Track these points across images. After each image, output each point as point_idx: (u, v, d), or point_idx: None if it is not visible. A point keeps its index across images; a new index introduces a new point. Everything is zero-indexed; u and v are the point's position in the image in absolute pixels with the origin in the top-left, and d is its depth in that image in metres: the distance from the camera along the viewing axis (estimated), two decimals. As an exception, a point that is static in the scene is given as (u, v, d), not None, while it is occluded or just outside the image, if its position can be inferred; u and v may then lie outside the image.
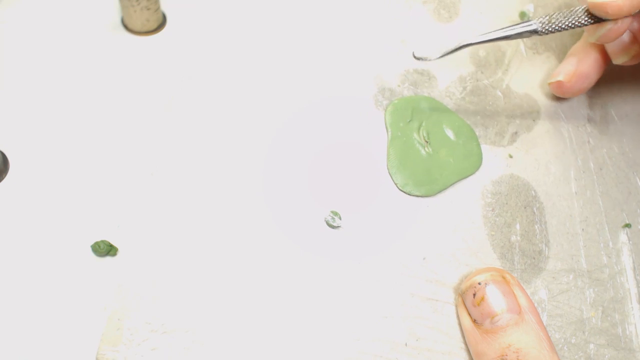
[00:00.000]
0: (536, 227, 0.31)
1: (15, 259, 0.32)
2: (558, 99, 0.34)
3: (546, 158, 0.33)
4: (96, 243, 0.32)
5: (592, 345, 0.29)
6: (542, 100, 0.34)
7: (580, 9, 0.28)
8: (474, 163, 0.31)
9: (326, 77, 0.32)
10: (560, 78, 0.32)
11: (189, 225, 0.28)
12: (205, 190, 0.29)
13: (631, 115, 0.35)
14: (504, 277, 0.26)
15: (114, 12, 0.41)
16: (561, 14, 0.28)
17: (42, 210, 0.33)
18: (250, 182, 0.29)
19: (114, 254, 0.32)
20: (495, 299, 0.26)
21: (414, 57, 0.29)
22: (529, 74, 0.34)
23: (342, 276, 0.27)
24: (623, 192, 0.33)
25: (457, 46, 0.29)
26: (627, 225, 0.33)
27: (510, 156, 0.32)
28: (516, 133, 0.33)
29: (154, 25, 0.38)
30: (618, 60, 0.31)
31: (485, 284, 0.26)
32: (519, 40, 0.35)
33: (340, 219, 0.28)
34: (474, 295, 0.26)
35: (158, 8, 0.37)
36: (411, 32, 0.33)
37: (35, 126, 0.36)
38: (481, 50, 0.34)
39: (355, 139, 0.30)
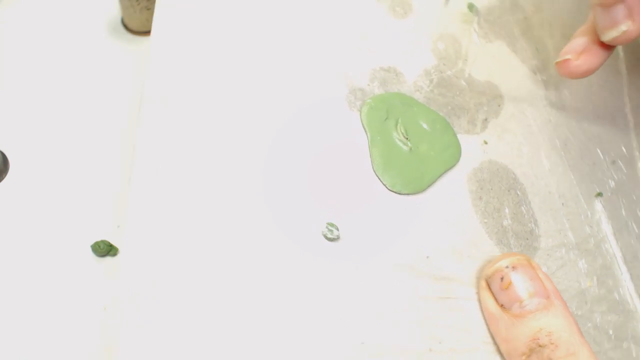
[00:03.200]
0: (522, 208, 0.31)
1: (15, 259, 0.32)
2: (517, 83, 0.35)
3: (517, 140, 0.33)
4: (96, 243, 0.32)
5: (596, 314, 0.30)
6: (502, 86, 0.35)
7: None
8: (455, 153, 0.31)
9: (293, 82, 0.30)
10: (568, 56, 0.31)
11: (185, 227, 0.26)
12: (202, 191, 0.27)
13: (582, 91, 0.37)
14: (529, 262, 0.26)
15: (114, 12, 0.41)
16: None
17: (42, 210, 0.33)
18: (246, 188, 0.28)
19: (114, 254, 0.32)
20: (522, 282, 0.26)
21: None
22: (486, 62, 0.35)
23: (347, 286, 0.26)
24: (589, 164, 0.35)
25: None
26: (599, 194, 0.34)
27: (485, 142, 0.32)
28: (486, 119, 0.33)
29: (154, 26, 0.37)
30: (606, 35, 0.29)
31: (513, 267, 0.26)
32: (472, 31, 0.36)
33: (337, 229, 0.27)
34: (502, 279, 0.26)
35: (158, 8, 0.36)
36: (370, 30, 0.33)
37: (35, 126, 0.36)
38: (439, 43, 0.34)
39: (334, 143, 0.29)
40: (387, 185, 0.28)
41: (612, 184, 0.35)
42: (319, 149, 0.29)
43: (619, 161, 0.36)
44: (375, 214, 0.28)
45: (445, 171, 0.30)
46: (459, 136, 0.32)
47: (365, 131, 0.30)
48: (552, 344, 0.24)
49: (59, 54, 0.39)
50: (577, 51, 0.31)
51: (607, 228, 0.33)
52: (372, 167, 0.29)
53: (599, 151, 0.36)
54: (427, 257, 0.28)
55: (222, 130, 0.28)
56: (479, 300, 0.27)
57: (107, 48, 0.39)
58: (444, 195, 0.30)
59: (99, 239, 0.32)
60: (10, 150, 0.35)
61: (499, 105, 0.34)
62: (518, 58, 0.36)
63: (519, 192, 0.31)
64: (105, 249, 0.32)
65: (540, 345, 0.24)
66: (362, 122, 0.30)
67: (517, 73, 0.36)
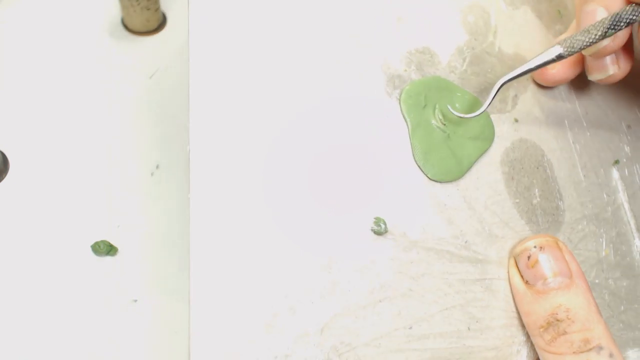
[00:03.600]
0: (550, 184, 0.33)
1: (15, 259, 0.32)
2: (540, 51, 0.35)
3: (544, 114, 0.34)
4: (96, 243, 0.32)
5: (610, 281, 0.33)
6: (530, 55, 0.34)
7: (594, 27, 0.28)
8: (489, 135, 0.31)
9: (332, 73, 0.30)
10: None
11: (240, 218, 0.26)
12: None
13: None
14: (556, 243, 0.28)
15: (114, 12, 0.41)
16: (580, 34, 0.28)
17: (42, 210, 0.34)
18: (289, 182, 0.27)
19: (114, 254, 0.32)
20: (548, 262, 0.28)
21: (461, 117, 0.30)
22: (514, 32, 0.35)
23: (393, 274, 0.27)
24: (607, 130, 0.36)
25: (496, 90, 0.30)
26: (616, 162, 0.35)
27: (516, 120, 0.33)
28: (516, 96, 0.33)
29: (154, 25, 0.38)
30: (594, 76, 0.31)
31: (540, 247, 0.28)
32: (498, 0, 0.35)
33: (385, 223, 0.28)
34: (529, 257, 0.28)
35: (158, 8, 0.37)
36: (406, 9, 0.32)
37: (35, 126, 0.37)
38: (469, 16, 0.33)
39: (375, 134, 0.29)
40: (429, 175, 0.29)
41: (627, 149, 0.36)
42: (361, 141, 0.29)
43: (633, 125, 0.37)
44: (419, 204, 0.29)
45: (482, 154, 0.31)
46: (492, 116, 0.32)
47: (405, 120, 0.30)
48: (569, 319, 0.27)
49: (59, 54, 0.39)
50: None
51: (622, 196, 0.35)
52: (414, 157, 0.29)
53: (615, 116, 0.37)
54: (466, 241, 0.29)
55: (262, 122, 0.28)
56: (508, 277, 0.30)
57: (107, 48, 0.40)
58: (480, 179, 0.31)
59: (99, 239, 0.32)
60: (10, 150, 0.35)
61: (527, 79, 0.34)
62: (543, 24, 0.36)
63: (547, 169, 0.33)
64: (105, 249, 0.32)
65: (558, 320, 0.27)
66: (401, 111, 0.30)
67: (543, 41, 0.36)
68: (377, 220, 0.28)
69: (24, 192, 0.34)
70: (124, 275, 0.34)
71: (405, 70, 0.31)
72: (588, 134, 0.35)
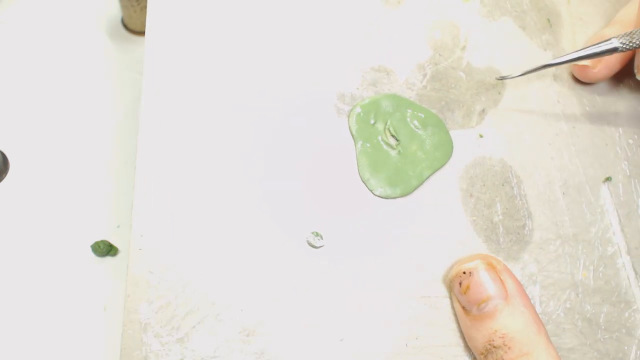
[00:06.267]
0: (517, 201, 0.31)
1: (15, 259, 0.32)
2: (522, 64, 0.34)
3: (518, 129, 0.33)
4: (96, 243, 0.32)
5: (588, 306, 0.30)
6: (505, 69, 0.33)
7: None
8: (446, 152, 0.31)
9: (282, 87, 0.31)
10: (587, 63, 0.32)
11: (187, 224, 0.28)
12: (192, 191, 0.29)
13: None
14: (490, 264, 0.27)
15: (114, 12, 0.41)
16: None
17: (42, 210, 0.34)
18: (233, 192, 0.29)
19: (114, 254, 0.32)
20: (480, 286, 0.27)
21: (497, 79, 0.33)
22: (489, 45, 0.34)
23: (330, 288, 0.28)
24: (599, 146, 0.33)
25: (536, 68, 0.31)
26: (608, 179, 0.33)
27: (481, 136, 0.32)
28: (483, 110, 0.32)
29: (154, 25, 0.36)
30: None
31: (470, 272, 0.27)
32: (474, 11, 0.34)
33: (322, 238, 0.29)
34: (460, 284, 0.27)
35: (158, 7, 0.36)
36: (370, 26, 0.33)
37: (35, 126, 0.37)
38: (435, 31, 0.33)
39: (322, 151, 0.30)
40: (373, 191, 0.30)
41: (626, 165, 0.33)
42: (306, 157, 0.30)
43: (637, 139, 0.34)
44: (361, 220, 0.29)
45: (435, 171, 0.31)
46: (453, 132, 0.32)
47: (353, 138, 0.30)
48: (505, 345, 0.25)
49: (59, 54, 0.39)
50: (597, 59, 0.32)
51: (612, 215, 0.32)
52: (358, 173, 0.30)
53: (613, 129, 0.34)
54: (410, 258, 0.29)
55: (212, 135, 0.29)
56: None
57: (107, 48, 0.39)
58: (432, 196, 0.30)
59: (99, 239, 0.32)
60: (10, 150, 0.35)
61: (500, 93, 0.33)
62: (526, 34, 0.35)
63: (514, 185, 0.31)
64: (105, 249, 0.32)
65: (494, 347, 0.26)
66: (350, 128, 0.31)
67: (524, 52, 0.34)
68: (315, 234, 0.29)
69: (24, 192, 0.34)
70: (124, 275, 0.32)
71: (358, 89, 0.31)
72: (573, 149, 0.33)
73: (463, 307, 0.27)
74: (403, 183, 0.30)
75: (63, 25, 0.40)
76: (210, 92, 0.30)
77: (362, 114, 0.31)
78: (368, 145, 0.30)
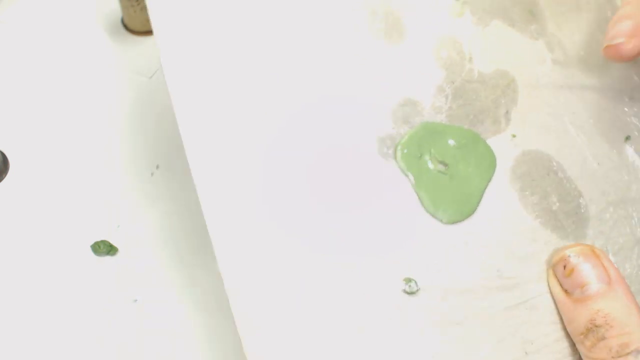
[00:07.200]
0: (565, 185, 0.33)
1: (15, 259, 0.32)
2: (522, 58, 0.36)
3: (540, 118, 0.35)
4: (96, 243, 0.32)
5: None
6: (512, 67, 0.35)
7: None
8: (491, 161, 0.32)
9: (326, 148, 0.31)
10: (620, 40, 0.31)
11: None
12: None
13: (582, 42, 0.37)
14: (592, 250, 0.29)
15: (114, 12, 0.41)
16: None
17: (42, 210, 0.34)
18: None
19: (114, 254, 0.33)
20: (584, 269, 0.29)
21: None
22: (490, 49, 0.35)
23: (435, 321, 0.29)
24: (610, 110, 0.36)
25: None
26: (628, 138, 0.35)
27: (514, 136, 0.34)
28: (507, 112, 0.34)
29: (154, 25, 0.35)
30: None
31: (575, 256, 0.29)
32: (466, 25, 0.36)
33: (416, 283, 0.29)
34: (564, 266, 0.29)
35: (158, 8, 0.34)
36: (375, 67, 0.34)
37: (35, 126, 0.36)
38: (441, 51, 0.35)
39: (379, 199, 0.31)
40: (443, 221, 0.31)
41: (635, 120, 0.36)
42: (367, 210, 0.30)
43: (636, 95, 0.37)
44: (440, 251, 0.30)
45: (489, 182, 0.32)
46: (489, 141, 0.33)
47: (407, 175, 0.31)
48: (607, 324, 0.27)
49: (59, 54, 0.39)
50: (627, 34, 0.31)
51: (644, 169, 0.35)
52: (423, 207, 0.31)
53: (615, 92, 0.37)
54: (497, 270, 0.31)
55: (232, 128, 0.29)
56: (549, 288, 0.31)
57: (107, 48, 0.40)
58: (494, 206, 0.32)
59: (99, 239, 0.32)
60: (10, 150, 0.35)
61: (515, 91, 0.35)
62: (517, 30, 0.37)
63: (558, 172, 0.33)
64: (105, 249, 0.32)
65: (596, 326, 0.27)
66: (400, 168, 0.31)
67: (519, 46, 0.36)
68: (407, 281, 0.29)
69: (24, 192, 0.34)
70: (124, 275, 0.33)
71: (393, 128, 0.32)
72: (591, 121, 0.35)
73: (565, 290, 0.29)
74: (466, 203, 0.31)
75: (63, 25, 0.40)
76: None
77: (407, 152, 0.32)
78: (422, 178, 0.31)
